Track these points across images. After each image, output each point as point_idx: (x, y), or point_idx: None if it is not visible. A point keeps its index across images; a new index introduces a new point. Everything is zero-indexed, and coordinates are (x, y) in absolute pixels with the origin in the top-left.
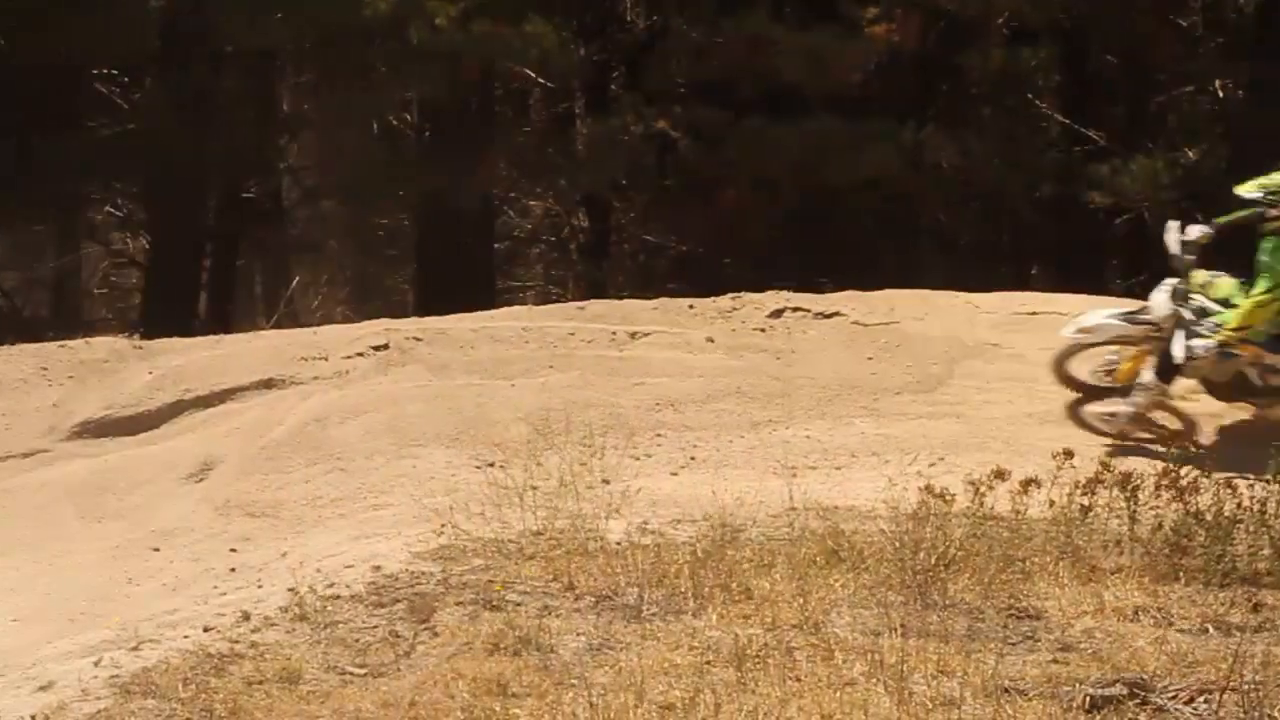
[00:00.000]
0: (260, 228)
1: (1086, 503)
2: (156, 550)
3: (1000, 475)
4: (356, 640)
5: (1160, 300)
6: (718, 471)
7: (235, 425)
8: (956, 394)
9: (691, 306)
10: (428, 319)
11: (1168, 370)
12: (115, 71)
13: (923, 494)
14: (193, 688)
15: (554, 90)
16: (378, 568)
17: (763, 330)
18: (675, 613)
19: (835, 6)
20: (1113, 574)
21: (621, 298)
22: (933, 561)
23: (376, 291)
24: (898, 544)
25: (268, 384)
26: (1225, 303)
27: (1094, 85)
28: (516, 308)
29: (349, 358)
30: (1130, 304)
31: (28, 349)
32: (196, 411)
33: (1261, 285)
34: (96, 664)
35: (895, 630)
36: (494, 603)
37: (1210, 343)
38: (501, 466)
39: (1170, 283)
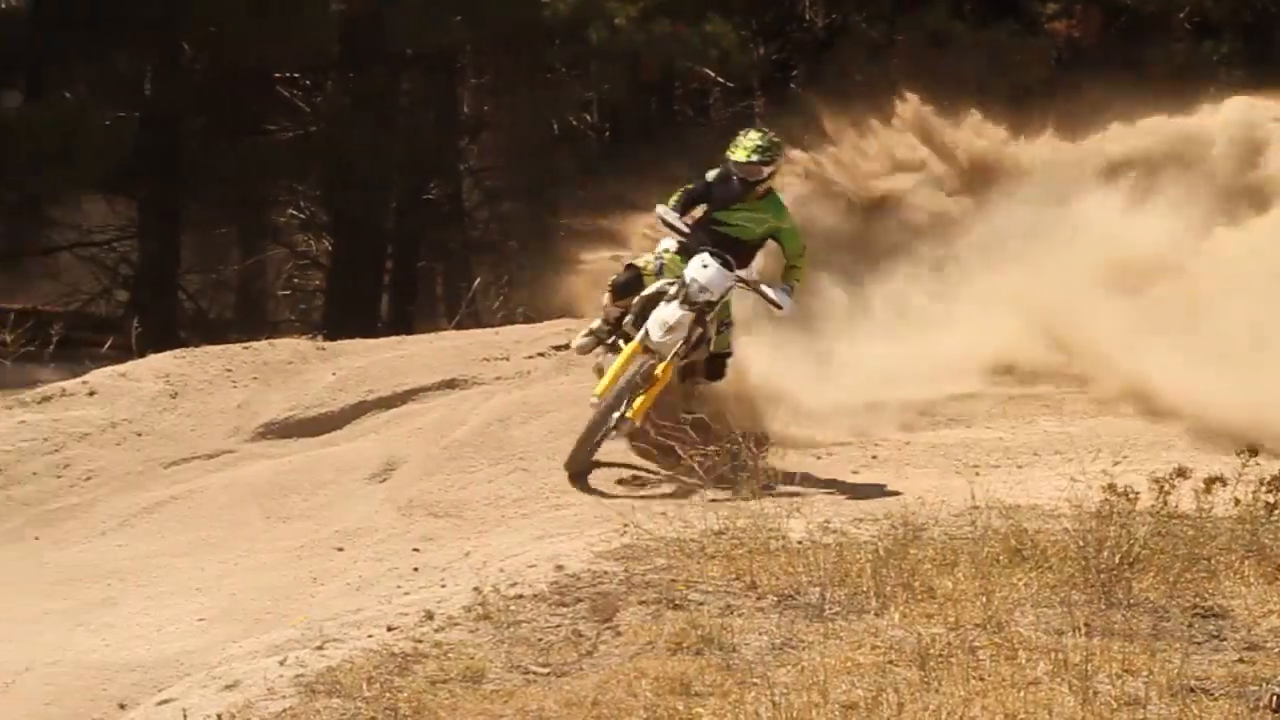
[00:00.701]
0: (441, 229)
1: (1272, 500)
2: (341, 550)
3: (1183, 473)
4: (539, 639)
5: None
6: (899, 470)
7: (418, 425)
8: None
9: None
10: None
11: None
12: (297, 75)
13: (1106, 492)
14: (377, 687)
15: (733, 89)
16: (560, 567)
17: None
18: (858, 612)
19: (1015, 3)
20: None
21: None
22: (1117, 560)
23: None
24: (1081, 542)
25: (450, 384)
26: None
27: (1277, 79)
28: None
29: (530, 358)
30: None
31: (212, 351)
32: (379, 412)
33: (799, 242)
34: (282, 663)
35: (1079, 629)
36: (676, 602)
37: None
38: (684, 466)
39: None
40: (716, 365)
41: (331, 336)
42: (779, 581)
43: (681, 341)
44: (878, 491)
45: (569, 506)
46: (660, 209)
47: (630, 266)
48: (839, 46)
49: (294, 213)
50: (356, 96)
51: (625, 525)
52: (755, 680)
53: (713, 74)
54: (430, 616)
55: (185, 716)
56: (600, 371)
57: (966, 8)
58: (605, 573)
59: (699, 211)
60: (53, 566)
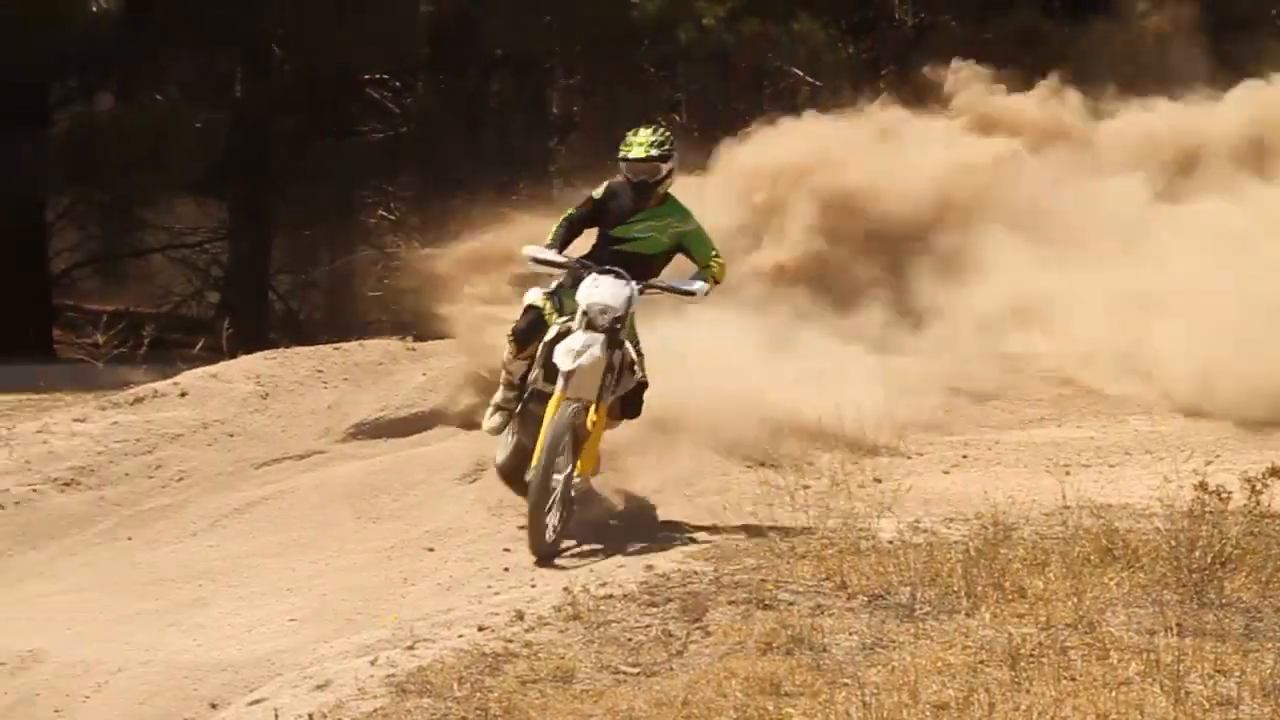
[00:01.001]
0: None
1: None
2: (431, 550)
3: (1276, 473)
4: (629, 639)
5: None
6: (989, 470)
7: None
8: None
9: None
10: None
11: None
12: (387, 77)
13: (1198, 491)
14: (467, 687)
15: (823, 88)
16: (650, 567)
17: None
18: (948, 612)
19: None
20: None
21: None
22: (1209, 560)
23: None
24: (1173, 542)
25: None
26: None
27: None
28: None
29: None
30: None
31: (303, 352)
32: None
33: (709, 245)
34: (373, 663)
35: (1171, 629)
36: (766, 602)
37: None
38: (772, 465)
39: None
40: (634, 399)
41: (421, 337)
42: (869, 581)
43: (605, 372)
44: (968, 491)
45: (659, 506)
46: (527, 249)
47: (529, 309)
48: (928, 45)
49: (384, 214)
50: (446, 98)
51: (715, 525)
52: (845, 680)
53: (801, 73)
54: (521, 616)
55: (276, 716)
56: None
57: (1056, 4)
58: (695, 573)
59: (593, 237)
60: (144, 567)
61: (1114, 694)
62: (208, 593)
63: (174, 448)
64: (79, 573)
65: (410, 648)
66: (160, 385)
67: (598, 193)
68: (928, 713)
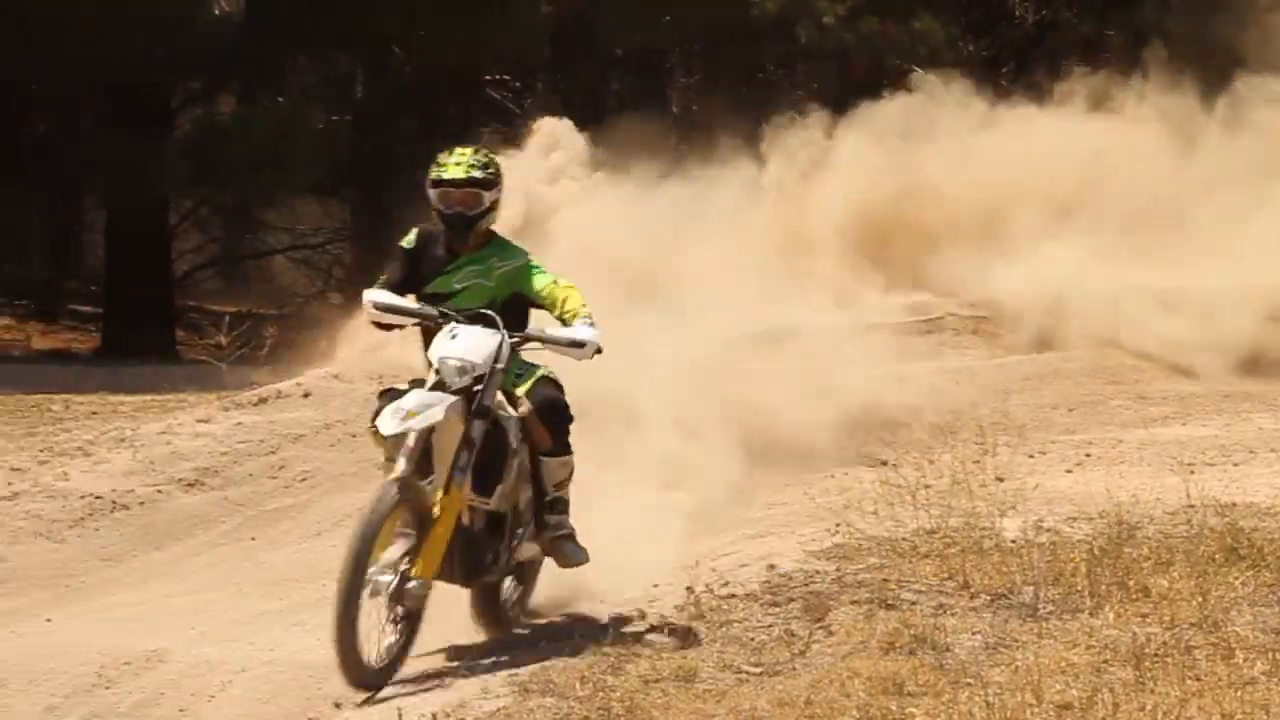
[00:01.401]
0: None
1: None
2: None
3: None
4: (751, 639)
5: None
6: (1112, 469)
7: None
8: None
9: None
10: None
11: None
12: (506, 77)
13: None
14: (590, 686)
15: None
16: (772, 566)
17: None
18: (1072, 611)
19: None
20: None
21: None
22: None
23: None
24: None
25: None
26: None
27: None
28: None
29: None
30: None
31: None
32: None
33: (549, 277)
34: (496, 662)
35: None
36: (889, 601)
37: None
38: (894, 465)
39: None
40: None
41: None
42: (992, 581)
43: (461, 446)
44: (1091, 490)
45: (781, 505)
46: (368, 294)
47: (388, 392)
48: (1049, 42)
49: None
50: (566, 97)
51: (837, 525)
52: (968, 680)
53: (922, 71)
54: (643, 616)
55: (400, 716)
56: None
57: (1175, 1)
58: (817, 572)
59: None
60: (268, 567)
61: (1239, 694)
62: (331, 592)
63: (297, 448)
64: (203, 573)
65: (533, 646)
66: (283, 386)
67: (408, 241)
68: (1051, 713)
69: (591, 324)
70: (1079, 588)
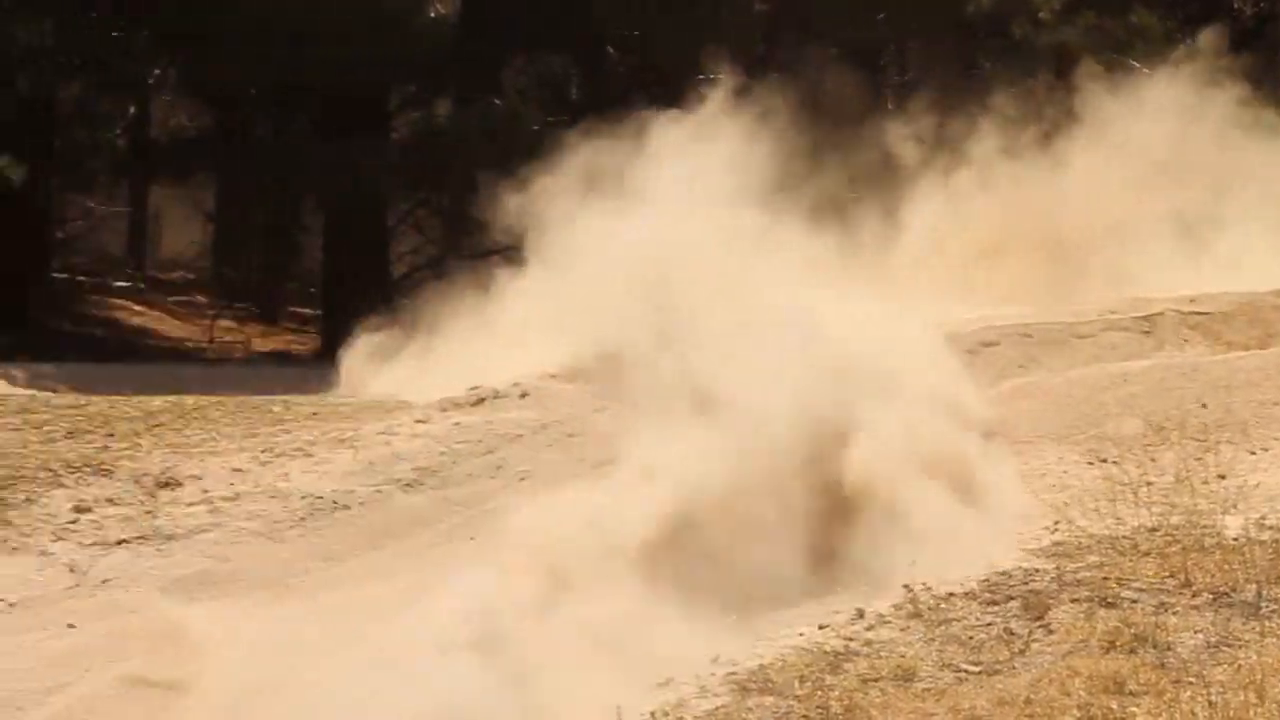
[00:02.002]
0: None
1: None
2: None
3: None
4: (970, 638)
5: None
6: None
7: None
8: None
9: None
10: (1026, 312)
11: None
12: (723, 75)
13: None
14: (808, 685)
15: None
16: (991, 564)
17: None
18: None
19: None
20: None
21: None
22: None
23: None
24: None
25: None
26: None
27: None
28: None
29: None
30: None
31: None
32: None
33: None
34: (714, 661)
35: None
36: (1109, 600)
37: None
38: (1114, 462)
39: None
40: None
41: None
42: (1214, 579)
43: None
44: None
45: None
46: None
47: None
48: (1268, 35)
49: None
50: (781, 94)
51: (1056, 523)
52: (1190, 679)
53: (1139, 66)
54: (861, 615)
55: (620, 714)
56: None
57: None
58: (1037, 570)
59: None
60: None
61: None
62: None
63: (515, 448)
64: (421, 572)
65: (751, 645)
66: (501, 386)
67: None
68: (1275, 712)
69: None
70: None
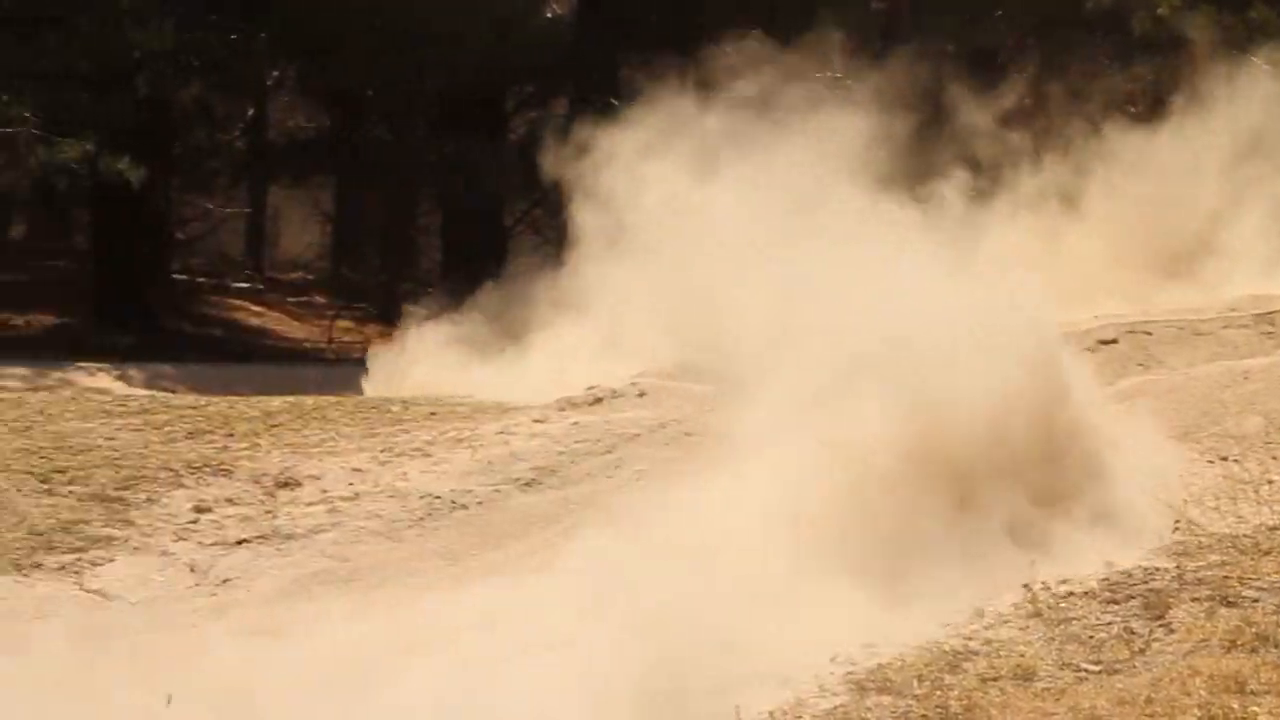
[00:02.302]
0: None
1: None
2: None
3: None
4: (1090, 637)
5: None
6: None
7: None
8: None
9: None
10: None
11: None
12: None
13: None
14: (927, 684)
15: None
16: (1111, 563)
17: None
18: None
19: None
20: None
21: None
22: None
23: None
24: None
25: None
26: None
27: None
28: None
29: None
30: None
31: None
32: None
33: None
34: (832, 660)
35: None
36: (1230, 599)
37: None
38: (1235, 460)
39: None
40: None
41: None
42: None
43: None
44: None
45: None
46: None
47: None
48: None
49: None
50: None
51: (1178, 522)
52: None
53: (1259, 62)
54: (980, 614)
55: (739, 713)
56: None
57: None
58: (1157, 569)
59: None
60: None
61: None
62: None
63: (633, 447)
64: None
65: (869, 645)
66: (618, 385)
67: None
68: None
69: None
70: None
